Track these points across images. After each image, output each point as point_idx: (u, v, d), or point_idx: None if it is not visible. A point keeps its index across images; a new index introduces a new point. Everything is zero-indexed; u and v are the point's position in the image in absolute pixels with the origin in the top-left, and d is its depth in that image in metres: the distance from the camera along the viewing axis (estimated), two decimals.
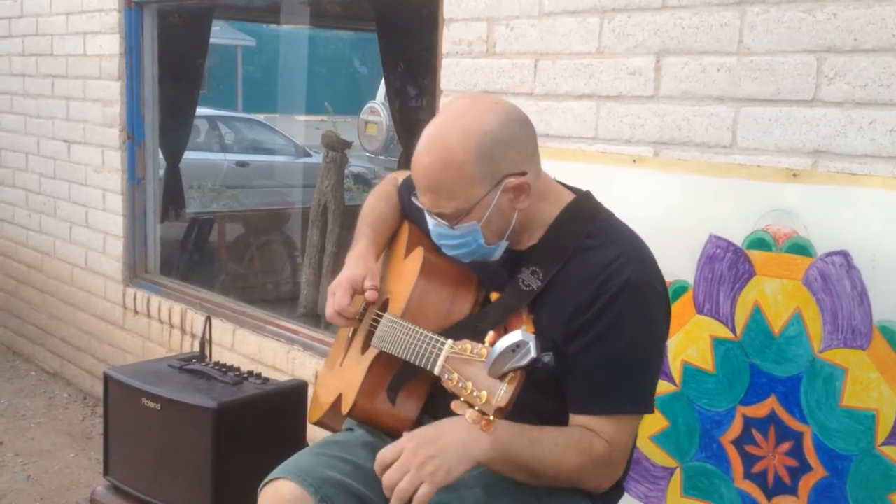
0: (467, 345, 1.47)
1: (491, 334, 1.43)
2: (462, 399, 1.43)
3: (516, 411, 1.49)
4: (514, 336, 1.36)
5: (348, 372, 1.98)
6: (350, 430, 1.90)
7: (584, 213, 1.77)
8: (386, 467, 1.57)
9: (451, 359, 1.48)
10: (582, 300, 1.65)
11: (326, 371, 2.18)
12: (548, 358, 1.38)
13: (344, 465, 1.73)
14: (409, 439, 1.57)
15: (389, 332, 1.79)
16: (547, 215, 1.76)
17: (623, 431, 1.67)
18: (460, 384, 1.43)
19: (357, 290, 1.95)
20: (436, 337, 1.57)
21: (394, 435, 1.84)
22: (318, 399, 2.10)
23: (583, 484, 1.69)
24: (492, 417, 1.39)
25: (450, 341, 1.50)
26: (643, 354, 1.68)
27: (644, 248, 1.75)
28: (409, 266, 1.92)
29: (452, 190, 1.65)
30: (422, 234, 2.00)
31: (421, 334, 1.62)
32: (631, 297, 1.63)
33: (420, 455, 1.54)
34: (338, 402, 1.92)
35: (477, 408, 1.40)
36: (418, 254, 1.90)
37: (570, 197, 1.80)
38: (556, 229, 1.75)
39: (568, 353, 1.66)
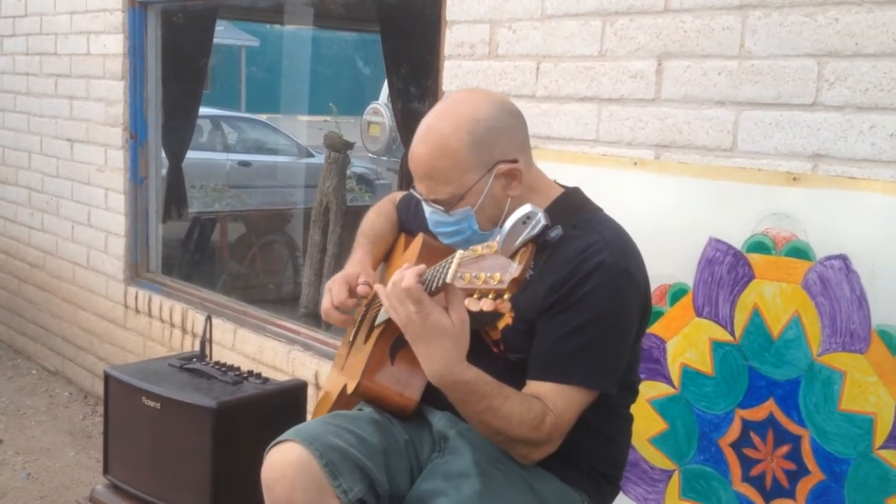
0: (477, 247, 1.52)
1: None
2: (475, 294, 1.45)
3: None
4: (523, 209, 1.41)
5: (352, 363, 2.01)
6: (360, 409, 1.93)
7: (572, 206, 1.83)
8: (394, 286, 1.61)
9: (462, 263, 1.51)
10: (556, 280, 1.69)
11: (330, 378, 2.20)
12: (555, 232, 1.42)
13: (350, 437, 1.76)
14: (423, 315, 1.58)
15: None
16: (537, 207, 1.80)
17: (571, 406, 1.69)
18: (472, 276, 1.46)
19: (352, 286, 2.01)
20: (443, 264, 1.61)
21: (400, 416, 1.86)
22: (324, 401, 2.12)
23: (513, 450, 1.72)
24: (507, 295, 1.42)
25: (459, 251, 1.54)
26: (606, 332, 1.70)
27: (627, 238, 1.80)
28: (410, 252, 1.98)
29: (447, 176, 1.73)
30: None
31: (428, 270, 1.65)
32: (603, 276, 1.68)
33: (417, 321, 1.59)
34: (344, 390, 1.95)
35: (492, 292, 1.43)
36: (418, 238, 1.96)
37: (559, 191, 1.87)
38: None
39: (536, 322, 1.71)
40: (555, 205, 1.82)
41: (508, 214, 1.75)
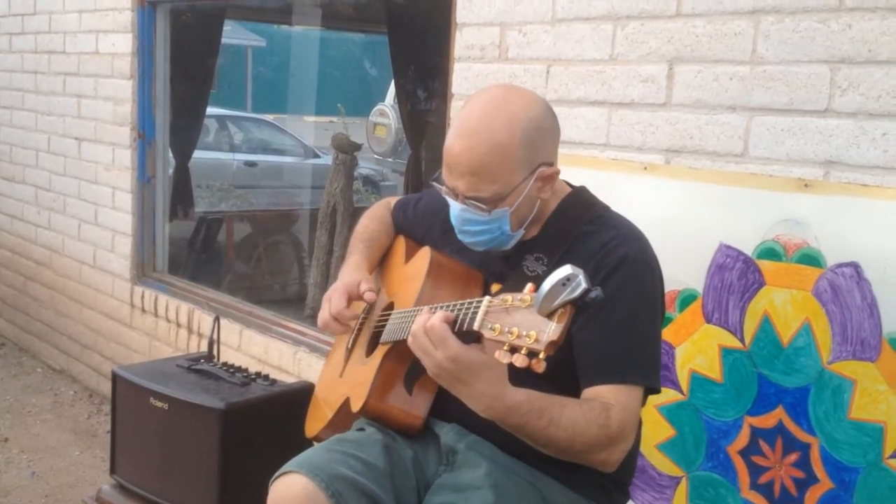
0: (507, 296, 1.44)
1: (530, 285, 1.42)
2: (506, 347, 1.40)
3: None
4: (563, 270, 1.35)
5: (354, 375, 1.97)
6: (361, 429, 1.89)
7: (582, 203, 1.84)
8: (418, 339, 1.55)
9: (490, 312, 1.45)
10: None
11: (325, 384, 2.16)
12: (595, 292, 1.36)
13: (356, 463, 1.73)
14: (450, 357, 1.52)
15: (402, 324, 1.78)
16: (549, 207, 1.82)
17: (631, 402, 1.67)
18: (505, 330, 1.40)
19: (353, 296, 1.96)
20: (466, 300, 1.55)
21: (405, 433, 1.84)
22: (320, 410, 2.09)
23: (592, 457, 1.65)
24: (543, 355, 1.36)
25: (487, 297, 1.48)
26: (643, 326, 1.70)
27: (640, 233, 1.80)
28: (415, 267, 1.93)
29: (495, 174, 1.68)
30: (419, 245, 2.02)
31: (447, 306, 1.60)
32: (628, 270, 1.68)
33: (449, 367, 1.52)
34: (345, 404, 1.91)
35: (525, 349, 1.37)
36: (425, 253, 1.91)
37: (567, 189, 1.88)
38: (558, 218, 1.80)
39: (572, 332, 1.63)
40: (565, 202, 1.82)
41: (537, 215, 1.77)
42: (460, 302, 1.58)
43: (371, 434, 1.85)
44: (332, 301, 1.95)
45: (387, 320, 1.90)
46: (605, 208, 1.85)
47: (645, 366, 1.70)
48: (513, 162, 1.67)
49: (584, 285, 1.34)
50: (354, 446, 1.80)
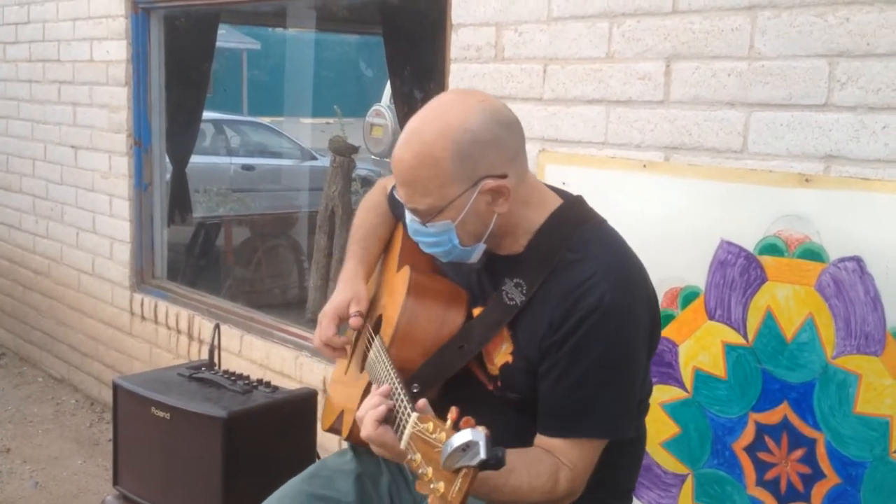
0: (430, 423, 1.40)
1: (453, 410, 1.37)
2: (424, 478, 1.39)
3: (494, 429, 1.39)
4: (464, 435, 1.31)
5: (350, 388, 1.96)
6: (344, 452, 1.91)
7: (569, 221, 1.70)
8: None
9: (415, 436, 1.42)
10: (554, 318, 1.60)
11: (337, 375, 2.16)
12: (501, 453, 1.31)
13: None
14: (392, 450, 1.50)
15: (377, 364, 1.75)
16: (531, 222, 1.69)
17: (585, 456, 1.62)
18: (421, 470, 1.38)
19: (343, 318, 1.90)
20: (406, 401, 1.50)
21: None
22: (331, 405, 2.08)
23: None
24: None
25: (415, 415, 1.44)
26: (612, 376, 1.61)
27: (627, 262, 1.68)
28: (399, 284, 1.86)
29: (427, 187, 1.60)
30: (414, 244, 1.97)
31: (396, 387, 1.56)
32: (600, 319, 1.57)
33: (391, 456, 1.52)
34: (340, 419, 1.92)
35: (435, 498, 1.36)
36: (405, 273, 1.84)
37: (557, 202, 1.72)
38: (541, 238, 1.68)
39: (539, 372, 1.62)
40: (551, 220, 1.69)
41: (495, 230, 1.66)
42: (400, 392, 1.53)
43: (345, 464, 1.85)
44: (322, 327, 1.89)
45: (374, 340, 1.85)
46: (595, 226, 1.71)
47: (605, 419, 1.62)
48: (445, 176, 1.58)
49: (480, 456, 1.29)
50: (325, 483, 1.82)
